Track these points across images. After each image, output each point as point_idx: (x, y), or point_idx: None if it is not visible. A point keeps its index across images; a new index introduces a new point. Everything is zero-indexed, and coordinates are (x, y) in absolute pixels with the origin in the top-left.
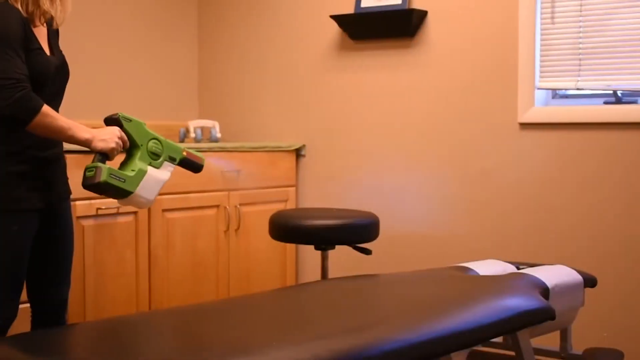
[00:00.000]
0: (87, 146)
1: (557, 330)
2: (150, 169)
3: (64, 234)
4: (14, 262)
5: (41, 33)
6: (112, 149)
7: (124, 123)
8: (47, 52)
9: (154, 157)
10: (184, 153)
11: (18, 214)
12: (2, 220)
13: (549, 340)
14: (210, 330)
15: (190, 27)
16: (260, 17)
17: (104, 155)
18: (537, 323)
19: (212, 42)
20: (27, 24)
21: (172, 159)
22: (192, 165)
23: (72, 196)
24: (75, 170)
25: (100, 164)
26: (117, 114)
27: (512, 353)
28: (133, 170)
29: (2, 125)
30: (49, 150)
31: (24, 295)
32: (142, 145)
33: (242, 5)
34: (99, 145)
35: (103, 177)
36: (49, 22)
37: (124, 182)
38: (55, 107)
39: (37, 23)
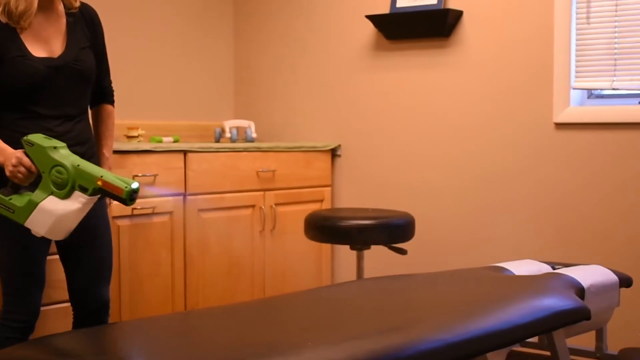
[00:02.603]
0: None
1: (592, 331)
2: (46, 201)
3: (99, 232)
4: (22, 256)
5: (41, 34)
6: (10, 174)
7: (26, 147)
8: (50, 53)
9: (58, 187)
10: (99, 182)
11: None
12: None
13: (585, 341)
14: (245, 330)
15: (226, 28)
16: (296, 18)
17: (11, 180)
18: (572, 323)
19: (248, 43)
20: (7, 32)
21: (83, 189)
22: (112, 196)
23: None
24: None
25: (0, 190)
26: (25, 136)
27: (548, 353)
28: (27, 201)
29: (8, 115)
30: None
31: (64, 295)
32: (44, 172)
33: (278, 6)
34: (5, 169)
35: None
36: (69, 16)
37: (13, 212)
38: (64, 110)
39: (25, 24)
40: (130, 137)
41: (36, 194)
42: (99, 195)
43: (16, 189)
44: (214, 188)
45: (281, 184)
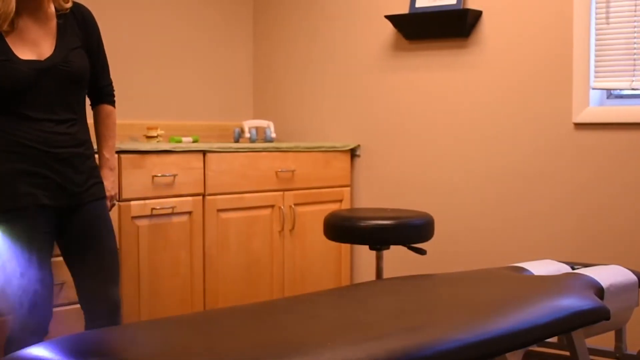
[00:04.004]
0: None
1: (611, 331)
2: None
3: (100, 234)
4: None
5: (29, 36)
6: None
7: None
8: (39, 55)
9: None
10: None
11: (17, 212)
12: (2, 219)
13: (604, 341)
14: (264, 330)
15: (246, 28)
16: (315, 18)
17: None
18: (591, 323)
19: (267, 43)
20: None
21: None
22: None
23: (127, 196)
24: (130, 170)
25: None
26: None
27: (567, 353)
28: None
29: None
30: (59, 148)
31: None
32: None
33: (297, 6)
34: None
35: None
36: (60, 17)
37: None
38: (55, 113)
39: (6, 28)
40: (149, 137)
41: None
42: None
43: None
44: (233, 188)
45: (300, 184)
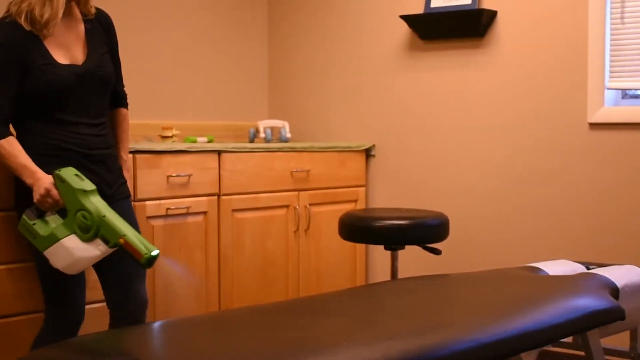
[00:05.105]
0: None
1: (626, 330)
2: (67, 239)
3: None
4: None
5: (62, 40)
6: (38, 201)
7: (57, 182)
8: (72, 59)
9: (81, 230)
10: (121, 241)
11: (58, 213)
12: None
13: (619, 341)
14: (279, 330)
15: (261, 28)
16: (330, 18)
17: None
18: (606, 323)
19: (282, 43)
20: (31, 39)
21: (105, 240)
22: (130, 255)
23: (142, 196)
24: (145, 170)
25: (25, 211)
26: (59, 169)
27: (582, 353)
28: (50, 232)
29: (33, 122)
30: (95, 150)
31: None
32: (70, 211)
33: (312, 6)
34: (33, 194)
35: (19, 225)
36: (88, 23)
37: (34, 238)
38: (90, 116)
39: (45, 32)
40: (164, 137)
41: (59, 229)
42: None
43: (41, 213)
44: (248, 188)
45: (315, 184)
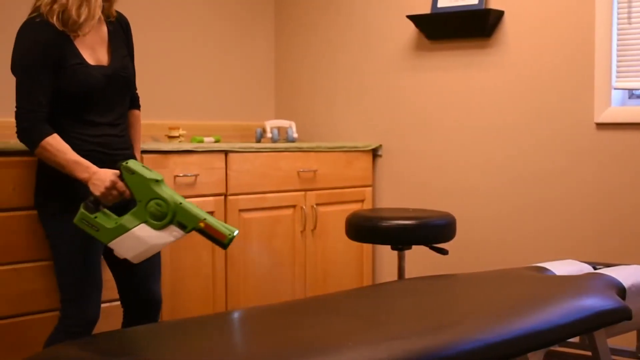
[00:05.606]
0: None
1: (633, 330)
2: (138, 228)
3: None
4: (82, 261)
5: (88, 41)
6: (101, 195)
7: (124, 174)
8: (97, 61)
9: (154, 218)
10: (201, 224)
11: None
12: (61, 218)
13: (625, 341)
14: (286, 329)
15: (267, 28)
16: (337, 18)
17: (96, 198)
18: (613, 323)
19: (289, 43)
20: (63, 39)
21: (182, 226)
22: (211, 238)
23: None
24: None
25: (82, 205)
26: (124, 162)
27: (589, 353)
28: (116, 223)
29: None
30: (118, 150)
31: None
32: (140, 201)
33: (319, 6)
34: (91, 187)
35: (76, 219)
36: (110, 25)
37: (97, 231)
38: (113, 117)
39: (79, 33)
40: (171, 137)
41: (128, 219)
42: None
43: (97, 206)
44: (255, 188)
45: (322, 184)
